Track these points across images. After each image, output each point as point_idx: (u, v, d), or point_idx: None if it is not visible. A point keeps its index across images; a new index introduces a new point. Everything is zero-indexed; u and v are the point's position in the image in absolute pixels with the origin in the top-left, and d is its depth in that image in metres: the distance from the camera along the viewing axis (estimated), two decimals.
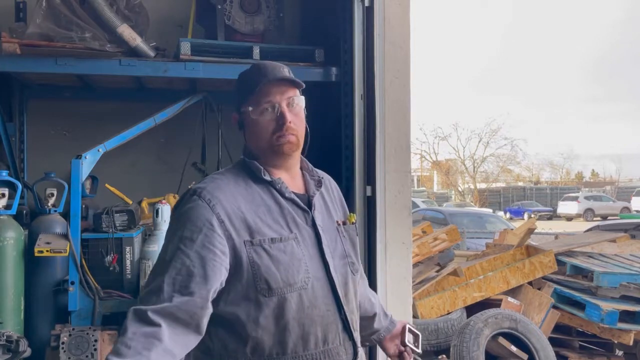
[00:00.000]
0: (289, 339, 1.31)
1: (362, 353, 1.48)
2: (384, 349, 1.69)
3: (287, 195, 1.39)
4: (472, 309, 4.70)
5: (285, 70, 1.43)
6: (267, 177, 1.39)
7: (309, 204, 1.43)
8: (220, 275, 1.27)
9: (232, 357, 1.32)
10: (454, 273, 4.82)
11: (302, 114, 1.45)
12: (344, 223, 1.51)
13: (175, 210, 1.38)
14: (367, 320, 1.67)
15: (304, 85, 1.44)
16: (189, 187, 1.40)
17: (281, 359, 1.31)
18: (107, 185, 3.38)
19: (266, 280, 1.29)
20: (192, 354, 1.33)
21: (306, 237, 1.38)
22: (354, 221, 1.56)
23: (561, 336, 4.87)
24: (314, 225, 1.41)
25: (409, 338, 1.65)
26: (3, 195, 2.78)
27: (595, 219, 26.21)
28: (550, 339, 4.52)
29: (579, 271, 5.10)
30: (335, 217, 1.50)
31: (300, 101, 1.43)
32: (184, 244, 1.27)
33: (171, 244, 1.29)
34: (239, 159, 1.49)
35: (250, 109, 1.39)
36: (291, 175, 1.46)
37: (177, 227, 1.31)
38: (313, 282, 1.34)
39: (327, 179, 1.60)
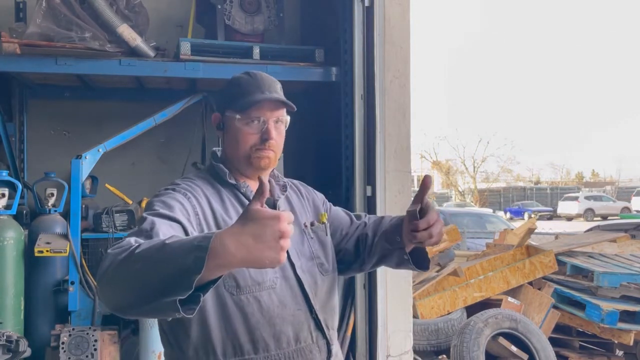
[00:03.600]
0: (260, 337, 1.32)
1: (337, 350, 1.48)
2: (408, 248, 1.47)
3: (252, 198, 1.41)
4: (472, 309, 4.69)
5: (279, 88, 1.46)
6: (232, 181, 1.44)
7: (274, 208, 1.46)
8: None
9: None
10: (454, 273, 4.81)
11: (284, 132, 1.49)
12: (312, 224, 1.53)
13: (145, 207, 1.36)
14: (386, 234, 1.50)
15: (295, 109, 1.46)
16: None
17: (253, 358, 1.32)
18: (107, 185, 3.38)
19: (234, 277, 1.30)
20: None
21: None
22: (325, 220, 1.57)
23: (561, 336, 4.86)
24: None
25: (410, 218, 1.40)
26: (3, 195, 2.78)
27: (595, 219, 26.17)
28: (551, 339, 4.51)
29: (579, 271, 5.09)
30: (302, 220, 1.52)
31: (286, 120, 1.47)
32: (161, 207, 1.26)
33: (148, 215, 1.25)
34: (207, 164, 1.52)
35: (238, 117, 1.41)
36: (256, 181, 1.47)
37: (149, 209, 1.28)
38: (281, 282, 1.37)
39: (298, 184, 1.64)
